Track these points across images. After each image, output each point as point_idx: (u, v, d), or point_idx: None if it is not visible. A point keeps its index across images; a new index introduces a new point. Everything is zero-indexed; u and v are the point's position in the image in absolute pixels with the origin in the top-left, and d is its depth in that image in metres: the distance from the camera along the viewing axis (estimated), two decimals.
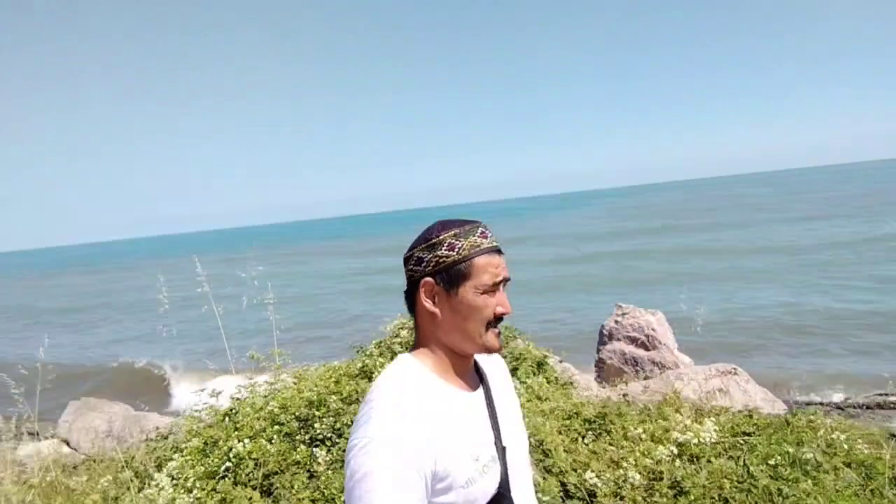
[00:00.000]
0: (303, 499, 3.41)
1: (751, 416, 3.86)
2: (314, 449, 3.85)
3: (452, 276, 1.30)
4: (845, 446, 3.26)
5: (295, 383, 4.83)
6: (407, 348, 3.25)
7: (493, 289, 1.31)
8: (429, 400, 1.26)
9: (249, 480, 3.65)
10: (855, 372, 11.26)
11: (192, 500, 3.56)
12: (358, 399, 4.23)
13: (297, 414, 4.17)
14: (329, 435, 3.94)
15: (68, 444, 6.54)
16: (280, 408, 4.30)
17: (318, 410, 4.16)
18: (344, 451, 2.59)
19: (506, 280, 1.34)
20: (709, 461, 3.18)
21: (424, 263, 1.32)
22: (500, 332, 1.35)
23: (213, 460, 3.91)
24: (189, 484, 3.71)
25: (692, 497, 2.80)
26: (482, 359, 1.51)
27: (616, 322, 8.26)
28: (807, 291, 18.48)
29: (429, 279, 1.32)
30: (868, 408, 8.13)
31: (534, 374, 4.92)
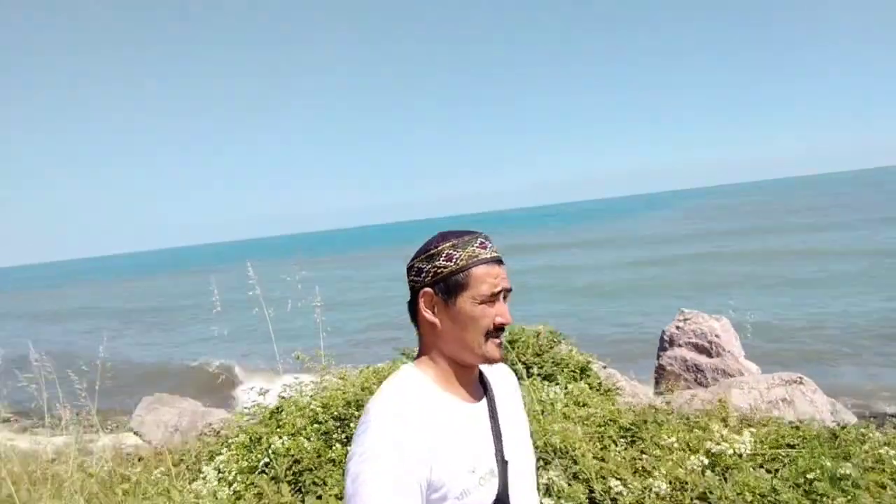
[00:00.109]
0: (332, 496, 3.52)
1: (797, 428, 3.65)
2: (350, 448, 3.96)
3: (450, 286, 1.30)
4: (895, 462, 3.03)
5: (341, 384, 4.97)
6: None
7: (491, 299, 1.30)
8: (429, 409, 1.27)
9: (285, 476, 3.80)
10: None
11: (231, 492, 3.75)
12: None
13: (334, 413, 4.30)
14: None
15: (140, 436, 7.00)
16: (321, 407, 4.44)
17: (356, 410, 4.28)
18: None
19: (506, 290, 1.34)
20: (739, 472, 3.04)
21: (424, 274, 1.34)
22: (501, 343, 1.34)
23: (255, 455, 4.10)
24: (231, 477, 3.91)
25: None
26: (490, 371, 1.50)
27: (678, 328, 7.98)
28: None
29: (428, 289, 1.33)
30: None
31: (575, 379, 4.84)
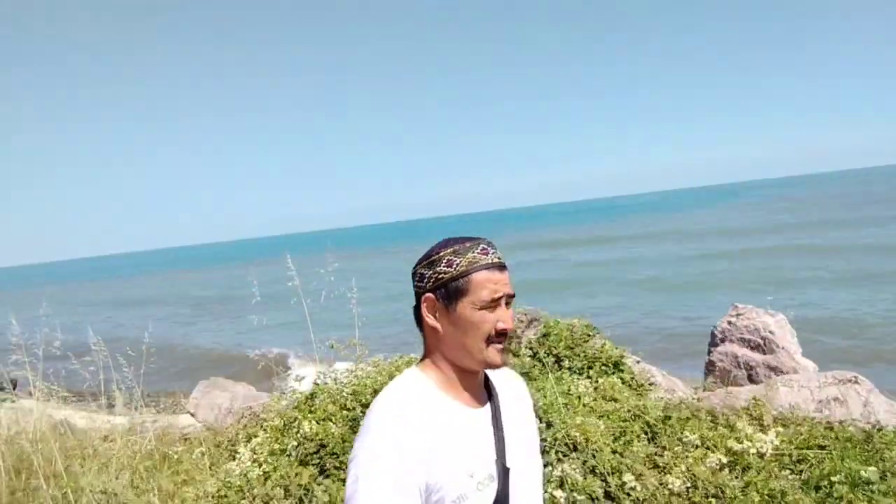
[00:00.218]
0: None
1: (831, 429, 3.49)
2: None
3: (451, 291, 1.32)
4: None
5: (372, 371, 5.09)
6: None
7: (491, 304, 1.30)
8: (430, 411, 1.29)
9: (311, 459, 3.94)
10: None
11: (260, 472, 3.92)
12: None
13: (362, 401, 4.41)
14: None
15: (195, 417, 7.37)
16: (351, 394, 4.57)
17: None
18: None
19: (508, 296, 1.34)
20: (757, 472, 2.94)
21: (426, 280, 1.36)
22: (503, 349, 1.34)
23: (287, 439, 4.26)
24: (262, 458, 4.09)
25: None
26: (497, 376, 1.50)
27: (729, 323, 7.69)
28: None
29: (430, 295, 1.35)
30: None
31: (607, 373, 4.78)
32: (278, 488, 3.64)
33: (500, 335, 1.31)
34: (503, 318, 1.31)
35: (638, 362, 5.28)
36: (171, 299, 41.07)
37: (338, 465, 3.80)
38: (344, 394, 4.61)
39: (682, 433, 3.56)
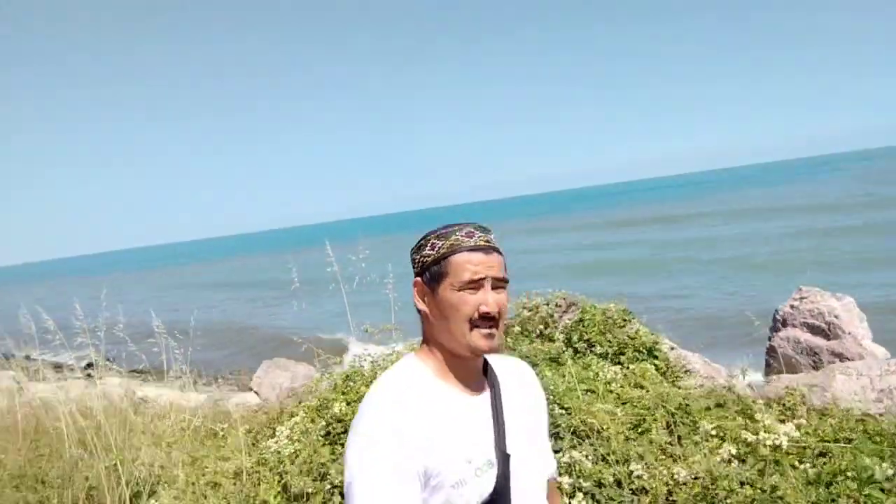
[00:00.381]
0: None
1: (862, 422, 3.30)
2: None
3: (433, 274, 1.34)
4: None
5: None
6: None
7: (471, 286, 1.29)
8: (427, 398, 1.30)
9: (339, 440, 4.13)
10: None
11: (292, 450, 4.15)
12: None
13: None
14: None
15: (259, 395, 7.80)
16: None
17: None
18: None
19: (496, 280, 1.32)
20: (764, 465, 2.84)
21: (415, 265, 1.39)
22: (490, 334, 1.31)
23: (320, 419, 4.48)
24: (295, 437, 4.32)
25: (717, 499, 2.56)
26: (500, 364, 1.49)
27: (792, 307, 7.32)
28: None
29: (418, 279, 1.38)
30: None
31: (639, 360, 4.70)
32: (304, 465, 3.85)
33: (484, 319, 1.29)
34: (485, 301, 1.29)
35: (672, 349, 5.15)
36: (240, 283, 42.65)
37: None
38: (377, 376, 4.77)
39: (700, 422, 3.48)
